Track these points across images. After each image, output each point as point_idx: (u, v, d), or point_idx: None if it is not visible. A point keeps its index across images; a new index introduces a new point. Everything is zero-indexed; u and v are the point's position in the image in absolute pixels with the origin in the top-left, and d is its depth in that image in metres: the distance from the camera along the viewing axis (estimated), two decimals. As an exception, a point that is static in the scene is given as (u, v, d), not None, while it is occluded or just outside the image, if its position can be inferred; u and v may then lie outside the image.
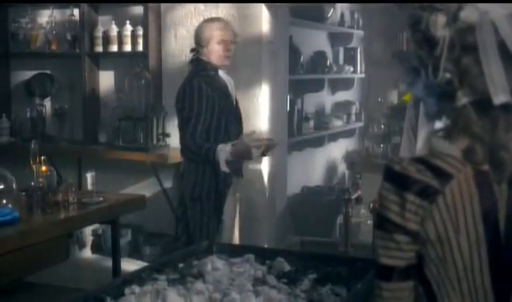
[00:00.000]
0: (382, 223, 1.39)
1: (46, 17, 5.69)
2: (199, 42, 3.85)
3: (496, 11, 1.31)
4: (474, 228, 1.33)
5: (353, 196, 3.06)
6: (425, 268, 1.38)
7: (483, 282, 1.34)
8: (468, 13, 1.32)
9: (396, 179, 1.37)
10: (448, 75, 1.34)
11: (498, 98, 1.31)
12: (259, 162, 4.78)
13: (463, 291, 1.35)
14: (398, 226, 1.36)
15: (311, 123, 6.45)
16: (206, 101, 3.68)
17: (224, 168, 3.57)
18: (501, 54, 1.31)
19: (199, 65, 3.79)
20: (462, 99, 1.34)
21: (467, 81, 1.33)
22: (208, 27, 3.88)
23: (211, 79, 3.77)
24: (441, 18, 1.33)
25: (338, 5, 7.06)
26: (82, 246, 5.46)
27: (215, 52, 3.82)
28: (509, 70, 1.31)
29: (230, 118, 3.83)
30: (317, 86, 6.89)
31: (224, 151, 3.54)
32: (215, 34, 3.82)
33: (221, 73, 3.87)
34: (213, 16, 4.67)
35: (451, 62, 1.34)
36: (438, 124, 1.44)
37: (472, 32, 1.32)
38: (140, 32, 5.27)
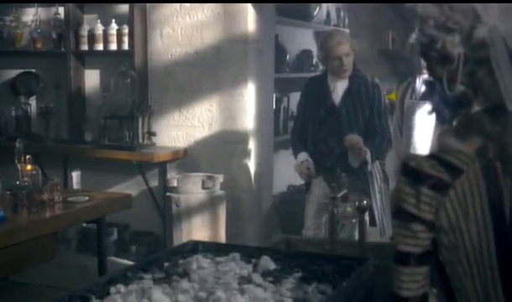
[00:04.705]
0: (399, 214, 1.56)
1: (31, 15, 5.65)
2: (318, 57, 4.41)
3: (499, 25, 1.49)
4: (482, 216, 1.50)
5: (339, 194, 3.06)
6: (439, 254, 1.55)
7: (490, 264, 1.50)
8: (480, 31, 1.50)
9: (411, 174, 1.54)
10: (462, 88, 1.52)
11: None
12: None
13: (474, 273, 1.51)
14: (414, 216, 1.52)
15: (297, 122, 6.44)
16: (305, 104, 4.41)
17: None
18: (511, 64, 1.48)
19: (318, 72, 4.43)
20: (477, 107, 1.53)
21: (482, 92, 1.51)
22: (325, 44, 4.28)
23: (315, 84, 4.36)
24: (457, 38, 1.51)
25: (324, 4, 7.06)
26: (68, 245, 5.43)
27: (331, 67, 4.28)
28: None
29: (324, 120, 4.30)
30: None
31: (298, 159, 4.35)
32: (330, 52, 4.23)
33: (333, 79, 4.30)
34: (327, 29, 5.38)
35: (466, 75, 1.52)
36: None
37: (484, 47, 1.49)
38: (126, 30, 5.25)
